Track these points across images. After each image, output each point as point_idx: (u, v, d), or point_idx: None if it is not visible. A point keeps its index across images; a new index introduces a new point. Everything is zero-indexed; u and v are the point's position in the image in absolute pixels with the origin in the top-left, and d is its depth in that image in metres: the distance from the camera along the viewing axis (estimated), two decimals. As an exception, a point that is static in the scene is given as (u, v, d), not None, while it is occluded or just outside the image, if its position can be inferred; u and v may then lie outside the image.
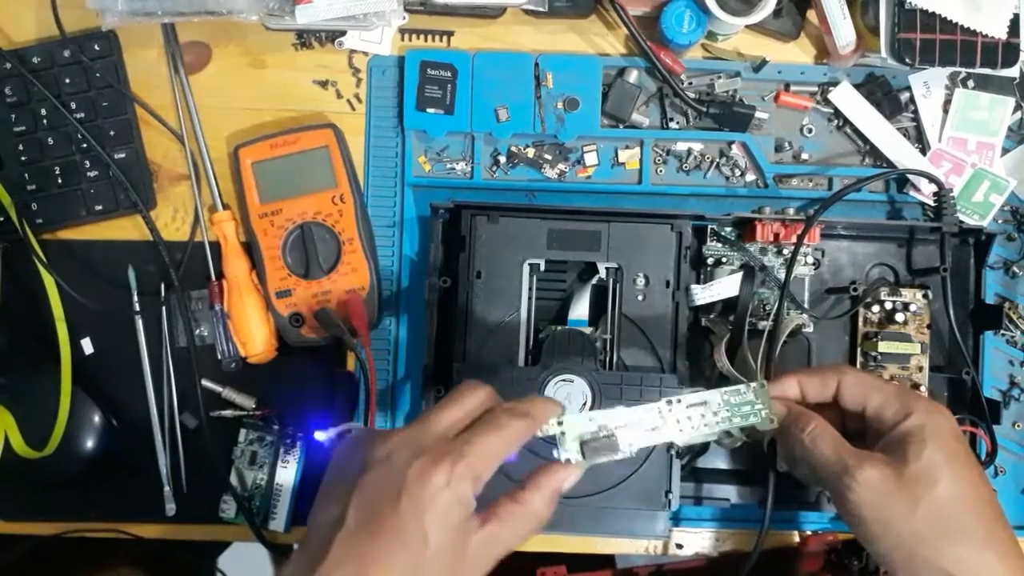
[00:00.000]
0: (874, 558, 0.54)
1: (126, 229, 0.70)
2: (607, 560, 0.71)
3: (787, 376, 0.58)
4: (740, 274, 0.65)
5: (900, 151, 0.69)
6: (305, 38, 0.70)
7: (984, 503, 0.52)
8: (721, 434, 0.56)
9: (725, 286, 0.64)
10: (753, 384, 0.56)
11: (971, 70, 0.66)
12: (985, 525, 0.51)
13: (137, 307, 0.68)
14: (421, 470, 0.45)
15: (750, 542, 0.63)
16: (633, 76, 0.70)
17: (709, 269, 0.66)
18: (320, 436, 0.58)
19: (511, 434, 0.48)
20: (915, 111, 0.70)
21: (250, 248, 0.68)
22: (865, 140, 0.70)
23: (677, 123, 0.70)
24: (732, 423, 0.55)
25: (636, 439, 0.53)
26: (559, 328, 0.63)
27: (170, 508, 0.68)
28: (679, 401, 0.54)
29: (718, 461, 0.68)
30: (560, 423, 0.52)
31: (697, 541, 0.69)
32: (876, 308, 0.66)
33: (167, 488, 0.68)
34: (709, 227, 0.66)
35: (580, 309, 0.64)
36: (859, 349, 0.66)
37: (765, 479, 0.61)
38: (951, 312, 0.64)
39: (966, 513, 0.51)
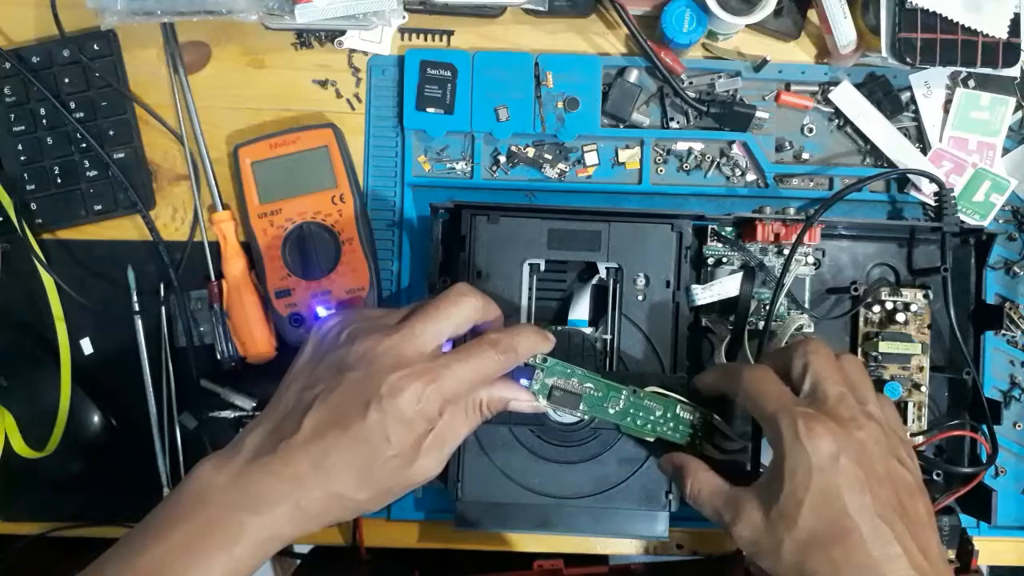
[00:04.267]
0: None
1: (125, 229, 0.70)
2: (604, 559, 0.71)
3: (705, 374, 0.58)
4: (740, 274, 0.65)
5: (901, 151, 0.69)
6: (305, 38, 0.70)
7: (841, 536, 0.47)
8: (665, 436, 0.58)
9: (725, 286, 0.64)
10: (705, 414, 0.58)
11: (972, 70, 0.66)
12: (840, 561, 0.47)
13: (136, 307, 0.68)
14: (395, 386, 0.48)
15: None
16: (633, 76, 0.70)
17: (709, 269, 0.66)
18: (323, 312, 0.65)
19: (490, 368, 0.52)
20: (916, 111, 0.70)
21: (249, 248, 0.68)
22: (866, 140, 0.70)
23: (677, 123, 0.70)
24: (667, 434, 0.58)
25: (592, 409, 0.57)
26: (559, 328, 0.63)
27: (170, 508, 0.67)
28: (641, 396, 0.57)
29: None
30: (545, 360, 0.55)
31: (697, 541, 0.69)
32: (877, 308, 0.66)
33: (166, 489, 0.68)
34: (709, 227, 0.66)
35: (580, 309, 0.63)
36: (860, 349, 0.66)
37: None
38: (952, 312, 0.64)
39: (823, 551, 0.47)
